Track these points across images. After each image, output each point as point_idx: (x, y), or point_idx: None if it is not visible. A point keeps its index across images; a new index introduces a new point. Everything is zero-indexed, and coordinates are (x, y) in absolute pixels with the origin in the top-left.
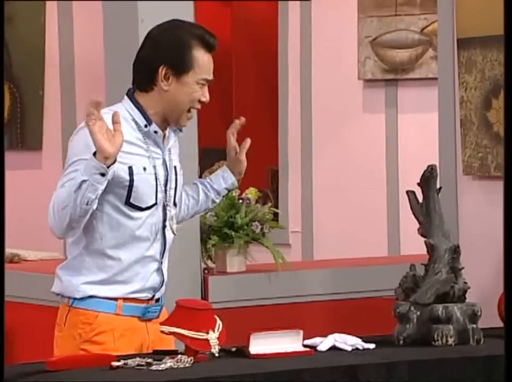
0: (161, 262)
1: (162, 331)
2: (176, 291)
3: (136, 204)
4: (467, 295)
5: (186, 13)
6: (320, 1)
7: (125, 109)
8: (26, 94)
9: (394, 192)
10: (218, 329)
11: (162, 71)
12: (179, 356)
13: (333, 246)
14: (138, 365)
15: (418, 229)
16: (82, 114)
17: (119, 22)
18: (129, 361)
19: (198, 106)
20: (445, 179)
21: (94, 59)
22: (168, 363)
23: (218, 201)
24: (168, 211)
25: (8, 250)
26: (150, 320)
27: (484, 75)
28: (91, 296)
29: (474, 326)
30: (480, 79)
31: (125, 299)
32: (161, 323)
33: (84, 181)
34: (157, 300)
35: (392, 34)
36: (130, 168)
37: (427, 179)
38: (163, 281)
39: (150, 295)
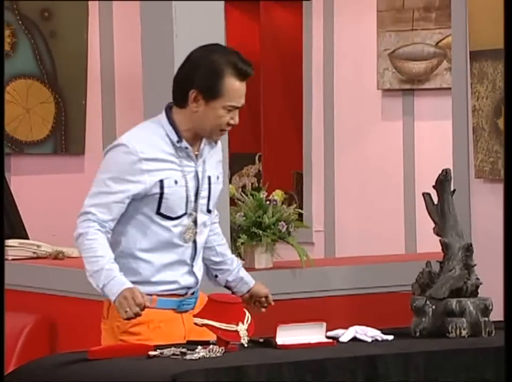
0: (192, 265)
1: (195, 323)
2: (210, 286)
3: (167, 214)
4: (479, 290)
5: (218, 29)
6: (341, 17)
7: (161, 124)
8: (70, 103)
9: (411, 194)
10: (247, 321)
11: (192, 94)
12: (211, 346)
13: (354, 244)
14: (173, 354)
15: (433, 229)
16: (121, 122)
17: (156, 37)
18: (165, 351)
19: (228, 128)
20: (459, 182)
21: (133, 71)
22: (201, 352)
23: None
24: (198, 219)
25: (53, 248)
26: (186, 311)
27: (494, 85)
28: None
29: (486, 319)
30: (492, 89)
31: (158, 295)
32: (194, 316)
33: (99, 286)
34: (192, 293)
35: (409, 47)
36: (161, 182)
37: (442, 182)
38: (196, 281)
39: (184, 292)
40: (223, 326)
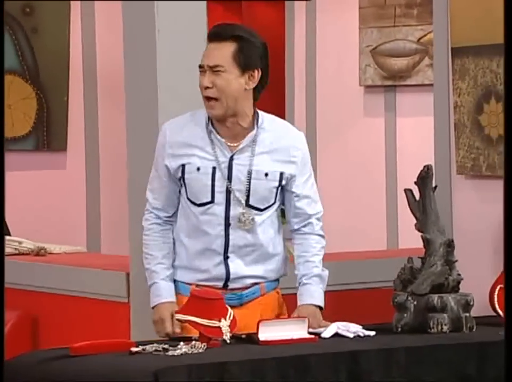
0: (227, 257)
1: (177, 319)
2: None
3: (192, 200)
4: (460, 286)
5: (200, 25)
6: (323, 14)
7: (206, 112)
8: (52, 99)
9: (393, 190)
10: (229, 317)
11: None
12: (193, 342)
13: (336, 240)
14: (155, 350)
15: (415, 225)
16: (103, 118)
17: (138, 33)
18: (147, 347)
19: (204, 93)
20: (440, 178)
21: (115, 67)
22: (183, 348)
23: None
24: (232, 211)
25: (35, 244)
26: (231, 306)
27: (476, 82)
28: (175, 281)
29: (467, 314)
30: (473, 85)
31: (197, 285)
32: (176, 312)
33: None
34: (235, 289)
35: (391, 43)
36: (183, 166)
37: (424, 178)
38: (228, 275)
39: (220, 284)
40: (205, 322)
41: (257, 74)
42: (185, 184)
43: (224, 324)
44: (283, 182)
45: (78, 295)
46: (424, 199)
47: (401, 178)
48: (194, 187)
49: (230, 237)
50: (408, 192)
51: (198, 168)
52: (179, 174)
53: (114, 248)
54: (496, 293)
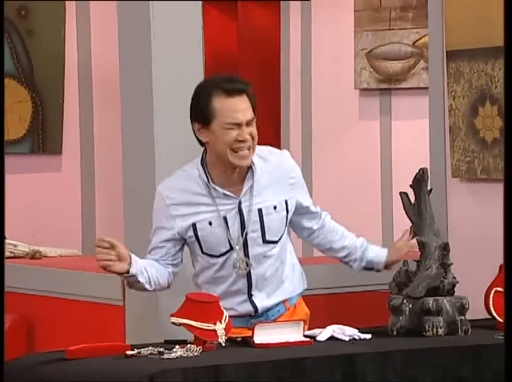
0: (251, 295)
1: (173, 323)
2: None
3: (210, 253)
4: (455, 289)
5: (195, 28)
6: (319, 17)
7: (196, 166)
8: (47, 102)
9: (388, 193)
10: (225, 320)
11: (195, 126)
12: (189, 345)
13: None
14: (150, 353)
15: (410, 228)
16: (98, 121)
17: (133, 36)
18: (142, 350)
19: (241, 145)
20: (436, 181)
21: (110, 70)
22: (178, 352)
23: (354, 266)
24: (250, 252)
25: (30, 247)
26: None
27: (471, 85)
28: None
29: (462, 317)
30: (468, 88)
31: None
32: (172, 315)
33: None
34: (261, 313)
35: (386, 46)
36: (194, 225)
37: (419, 181)
38: (255, 310)
39: (247, 316)
40: (200, 325)
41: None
42: (198, 241)
43: (219, 327)
44: (290, 209)
45: (74, 298)
46: (419, 202)
47: (396, 181)
48: (210, 241)
49: (252, 277)
50: (404, 195)
51: (210, 223)
52: (190, 233)
53: None
54: (491, 296)
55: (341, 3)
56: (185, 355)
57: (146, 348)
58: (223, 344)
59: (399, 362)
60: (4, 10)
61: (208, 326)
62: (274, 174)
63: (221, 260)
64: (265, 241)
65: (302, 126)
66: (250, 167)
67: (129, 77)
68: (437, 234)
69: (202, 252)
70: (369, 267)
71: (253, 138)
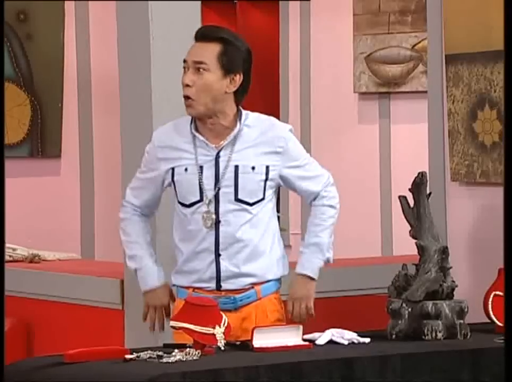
0: (219, 255)
1: (172, 326)
2: None
3: (183, 202)
4: (454, 293)
5: (194, 30)
6: (318, 20)
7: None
8: (46, 106)
9: (387, 197)
10: (224, 324)
11: None
12: (188, 349)
13: None
14: (149, 357)
15: (409, 232)
16: (97, 124)
17: (132, 39)
18: (141, 354)
19: (184, 92)
20: (435, 185)
21: (110, 73)
22: (177, 355)
23: None
24: (221, 207)
25: (29, 251)
26: (226, 310)
27: (470, 89)
28: (174, 285)
29: (461, 321)
30: (467, 92)
31: (194, 289)
32: (171, 319)
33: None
34: (230, 292)
35: (385, 50)
36: (172, 169)
37: (418, 184)
38: (219, 272)
39: (213, 286)
40: (199, 328)
41: (238, 78)
42: (175, 187)
43: (218, 331)
44: (271, 176)
45: (73, 302)
46: (419, 206)
47: (395, 185)
48: (183, 188)
49: (220, 234)
50: (403, 199)
51: (186, 169)
52: (170, 178)
53: (109, 255)
54: (490, 299)
55: (340, 7)
56: (184, 359)
57: (145, 352)
58: (222, 348)
59: (398, 366)
60: (4, 14)
61: (208, 330)
62: (260, 138)
63: (191, 210)
64: (237, 199)
65: (301, 129)
66: (237, 124)
67: (129, 80)
68: (436, 237)
69: (178, 201)
70: None
71: (198, 87)
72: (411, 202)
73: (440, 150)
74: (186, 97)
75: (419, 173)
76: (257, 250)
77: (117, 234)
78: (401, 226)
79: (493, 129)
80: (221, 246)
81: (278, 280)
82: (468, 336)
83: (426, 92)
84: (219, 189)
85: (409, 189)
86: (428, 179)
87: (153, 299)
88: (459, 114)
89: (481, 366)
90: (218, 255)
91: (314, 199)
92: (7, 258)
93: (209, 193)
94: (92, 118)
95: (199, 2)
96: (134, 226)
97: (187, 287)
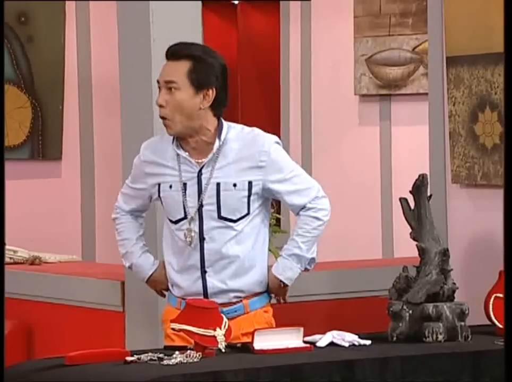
0: (205, 272)
1: (172, 329)
2: None
3: (169, 218)
4: (455, 295)
5: (195, 33)
6: (319, 22)
7: None
8: (47, 108)
9: (388, 199)
10: (224, 327)
11: None
12: (189, 351)
13: (331, 249)
14: (150, 359)
15: (410, 234)
16: (98, 126)
17: (133, 42)
18: (142, 356)
19: (160, 113)
20: (435, 187)
21: (110, 75)
22: (178, 358)
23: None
24: (205, 225)
25: (30, 253)
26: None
27: (471, 91)
28: (168, 290)
29: (462, 323)
30: (468, 94)
31: (183, 298)
32: (172, 321)
33: (129, 265)
34: (219, 305)
35: (386, 52)
36: (158, 185)
37: (419, 187)
38: (205, 289)
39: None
40: (200, 331)
41: (212, 93)
42: (161, 202)
43: (219, 333)
44: (254, 191)
45: (73, 304)
46: (419, 208)
47: (396, 187)
48: (169, 204)
49: (205, 252)
50: (403, 201)
51: (170, 186)
52: (157, 193)
53: (109, 257)
54: (491, 302)
55: (340, 9)
56: (185, 361)
57: (146, 354)
58: (223, 350)
59: (399, 368)
60: (4, 16)
61: (208, 332)
62: (241, 153)
63: (176, 227)
64: (220, 217)
65: (302, 131)
66: (218, 140)
67: (129, 82)
68: (437, 240)
69: (166, 215)
70: None
71: (171, 107)
72: (412, 204)
73: (441, 152)
74: (162, 118)
75: (419, 175)
76: (243, 266)
77: None
78: (401, 228)
79: (494, 131)
80: (206, 263)
81: (268, 293)
82: (469, 338)
83: (426, 94)
84: (201, 207)
85: (410, 191)
86: (428, 181)
87: (155, 285)
88: (459, 116)
89: (482, 368)
90: (204, 272)
91: (301, 210)
92: (7, 260)
93: (191, 211)
94: (92, 120)
95: (200, 4)
96: (125, 225)
97: (178, 297)
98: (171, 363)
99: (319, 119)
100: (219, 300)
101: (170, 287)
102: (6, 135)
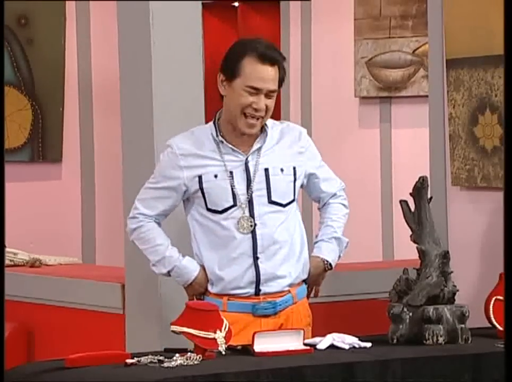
0: (257, 258)
1: (173, 331)
2: None
3: (214, 208)
4: (456, 297)
5: (195, 36)
6: (319, 25)
7: (209, 124)
8: (47, 110)
9: (388, 201)
10: (225, 329)
11: (219, 77)
12: (189, 354)
13: None
14: (150, 362)
15: (410, 236)
16: (98, 129)
17: (133, 44)
18: (142, 358)
19: (253, 112)
20: (436, 189)
21: (110, 78)
22: (178, 360)
23: None
24: (256, 210)
25: (30, 255)
26: (266, 316)
27: (471, 93)
28: (207, 295)
29: (463, 326)
30: (468, 97)
31: (229, 297)
32: (172, 323)
33: (164, 272)
34: (269, 296)
35: (386, 55)
36: (200, 177)
37: (419, 189)
38: (258, 276)
39: (252, 291)
40: (201, 333)
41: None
42: (203, 194)
43: (219, 335)
44: (298, 176)
45: (74, 307)
46: (419, 211)
47: (396, 189)
48: (214, 194)
49: (258, 237)
50: (404, 203)
51: (215, 176)
52: (196, 186)
53: (110, 259)
54: (491, 304)
55: (341, 11)
56: (185, 363)
57: (146, 357)
58: (223, 352)
59: (399, 371)
60: (4, 19)
61: (209, 334)
62: (283, 141)
63: (224, 216)
64: (271, 201)
65: None
66: (262, 130)
67: (129, 85)
68: (437, 242)
69: (207, 208)
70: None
71: (267, 110)
72: (412, 207)
73: (441, 154)
74: (253, 118)
75: (420, 178)
76: (291, 252)
77: (117, 238)
78: (402, 231)
79: (494, 134)
80: (259, 249)
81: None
82: (469, 341)
83: (427, 96)
84: (252, 193)
85: (410, 194)
86: (429, 183)
87: (196, 290)
88: (459, 119)
89: (482, 371)
90: (256, 258)
91: (330, 198)
92: (8, 262)
93: (242, 198)
94: (93, 122)
95: (201, 6)
96: (154, 232)
97: (221, 296)
98: (171, 366)
99: (319, 121)
100: (270, 288)
101: (210, 288)
102: (6, 137)
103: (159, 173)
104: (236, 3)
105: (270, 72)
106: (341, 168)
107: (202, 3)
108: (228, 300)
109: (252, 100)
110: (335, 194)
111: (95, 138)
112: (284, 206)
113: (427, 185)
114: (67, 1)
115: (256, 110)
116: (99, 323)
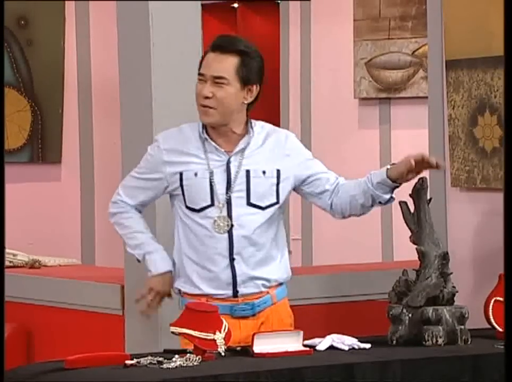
0: (233, 259)
1: (172, 332)
2: None
3: (191, 206)
4: (455, 298)
5: (195, 37)
6: (318, 26)
7: (197, 123)
8: (46, 112)
9: None
10: (224, 330)
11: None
12: (188, 355)
13: (331, 252)
14: (150, 363)
15: (410, 237)
16: (98, 130)
17: (133, 45)
18: (142, 360)
19: (201, 101)
20: (435, 190)
21: (110, 79)
22: (178, 361)
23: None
24: (234, 212)
25: (29, 256)
26: (244, 317)
27: (470, 94)
28: (179, 292)
29: (462, 327)
30: (467, 98)
31: (208, 298)
32: (171, 325)
33: (139, 256)
34: (248, 298)
35: (386, 56)
36: (180, 174)
37: (418, 190)
38: (234, 276)
39: (230, 292)
40: (200, 334)
41: (255, 88)
42: (183, 192)
43: (219, 337)
44: (282, 179)
45: (73, 308)
46: (419, 212)
47: (396, 190)
48: (193, 192)
49: (234, 238)
50: (403, 204)
51: (195, 174)
52: (177, 183)
53: (109, 261)
54: (491, 305)
55: (340, 12)
56: (185, 364)
57: (146, 358)
58: (223, 354)
59: (399, 372)
60: (4, 20)
61: (208, 336)
62: (268, 143)
63: (201, 215)
64: (249, 203)
65: (301, 135)
66: (247, 131)
67: (129, 86)
68: (436, 243)
69: (186, 206)
70: (385, 190)
71: (217, 100)
72: (412, 208)
73: (440, 155)
74: (204, 106)
75: (419, 179)
76: (269, 254)
77: (117, 240)
78: (401, 232)
79: (494, 135)
80: (235, 250)
81: (285, 284)
82: (469, 342)
83: (426, 97)
84: (231, 194)
85: (410, 195)
86: (428, 184)
87: (159, 284)
88: (459, 120)
89: (481, 372)
90: (232, 259)
91: (337, 184)
92: (7, 263)
93: (221, 198)
94: (92, 124)
95: (200, 7)
96: (133, 219)
97: (199, 296)
98: (170, 367)
99: (319, 122)
100: (247, 290)
101: (185, 287)
102: (6, 138)
103: (144, 164)
104: (236, 4)
105: (215, 57)
106: (341, 169)
107: (202, 4)
108: (207, 301)
109: (200, 88)
110: (337, 178)
111: (94, 140)
112: (263, 208)
113: (427, 186)
114: (66, 2)
115: (204, 97)
116: (98, 324)
